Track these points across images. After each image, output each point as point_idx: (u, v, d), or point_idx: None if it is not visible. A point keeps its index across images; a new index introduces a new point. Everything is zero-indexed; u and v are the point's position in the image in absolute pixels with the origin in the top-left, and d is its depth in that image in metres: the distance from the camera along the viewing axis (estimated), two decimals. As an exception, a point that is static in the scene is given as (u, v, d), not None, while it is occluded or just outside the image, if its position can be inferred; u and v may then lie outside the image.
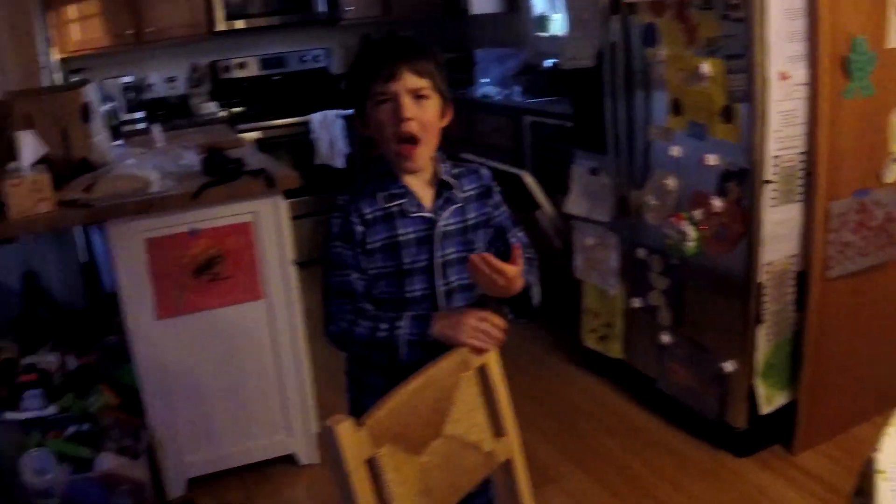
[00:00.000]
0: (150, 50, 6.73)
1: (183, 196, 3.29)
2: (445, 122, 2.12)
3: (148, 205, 3.27)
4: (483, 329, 1.98)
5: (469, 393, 1.98)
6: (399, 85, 1.99)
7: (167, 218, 3.32)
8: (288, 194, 3.51)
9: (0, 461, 3.59)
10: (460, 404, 1.94)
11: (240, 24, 6.62)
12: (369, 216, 2.07)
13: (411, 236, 2.09)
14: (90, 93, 3.73)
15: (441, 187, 2.13)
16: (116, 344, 3.73)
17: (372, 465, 1.72)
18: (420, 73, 2.01)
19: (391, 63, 2.00)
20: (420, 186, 2.12)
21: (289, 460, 3.81)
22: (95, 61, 6.46)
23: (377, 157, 2.13)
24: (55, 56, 5.85)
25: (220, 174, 3.42)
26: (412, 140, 2.02)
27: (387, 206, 2.08)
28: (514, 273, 1.96)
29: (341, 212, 2.09)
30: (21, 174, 3.27)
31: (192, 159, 3.63)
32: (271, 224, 3.44)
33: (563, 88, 4.88)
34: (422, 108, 2.02)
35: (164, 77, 6.84)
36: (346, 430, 1.67)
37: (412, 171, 2.09)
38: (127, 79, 6.55)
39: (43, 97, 3.79)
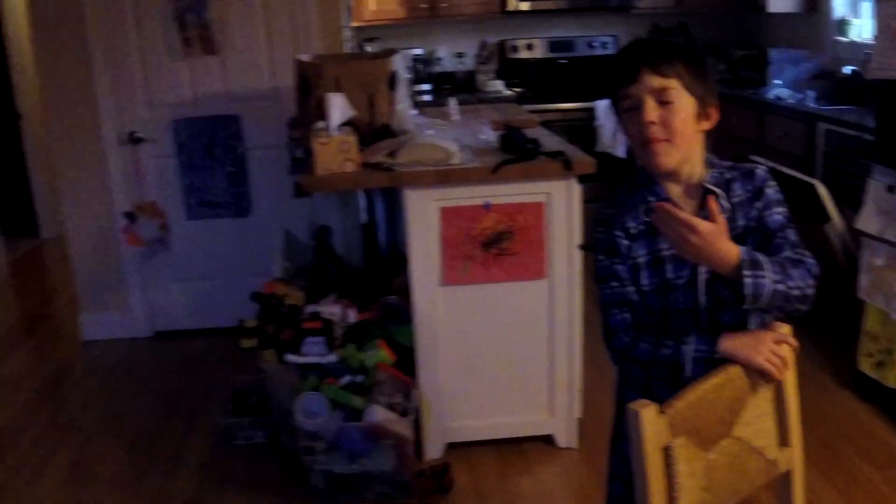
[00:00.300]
0: (441, 24, 7.02)
1: (482, 170, 3.47)
2: (708, 125, 2.04)
3: (448, 175, 3.46)
4: (780, 354, 1.94)
5: (762, 398, 2.00)
6: (639, 87, 1.96)
7: (463, 189, 3.50)
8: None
9: (278, 400, 3.90)
10: (752, 407, 1.97)
11: (531, 5, 6.78)
12: (633, 230, 2.07)
13: (674, 251, 2.01)
14: (398, 62, 3.96)
15: (706, 196, 1.98)
16: (395, 304, 3.95)
17: (665, 454, 1.79)
18: (663, 74, 1.95)
19: (630, 65, 1.98)
20: (682, 196, 2.06)
21: (546, 441, 3.94)
22: (387, 31, 6.81)
23: (640, 168, 2.09)
24: (351, 24, 6.20)
25: (518, 152, 3.56)
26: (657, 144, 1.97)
27: (648, 219, 2.05)
28: (708, 231, 1.82)
29: (605, 226, 2.09)
30: (329, 134, 3.54)
31: (489, 135, 3.80)
32: (563, 206, 3.55)
33: (865, 98, 4.75)
34: (667, 111, 1.96)
35: (453, 52, 7.11)
36: (649, 416, 1.75)
37: (661, 175, 2.04)
38: (417, 51, 6.87)
39: (352, 63, 4.05)
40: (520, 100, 6.52)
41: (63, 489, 3.96)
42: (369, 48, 6.41)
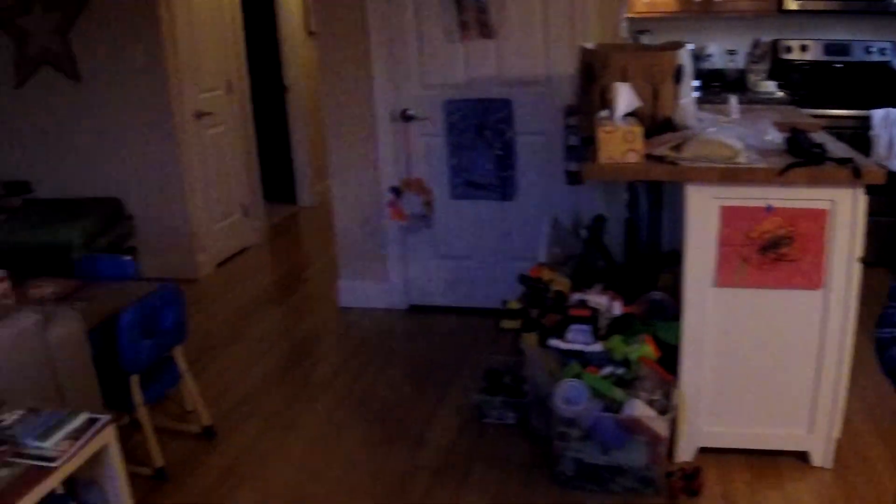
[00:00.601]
0: (713, 20, 6.92)
1: (767, 171, 3.41)
2: None
3: (732, 174, 3.43)
4: None
5: None
6: None
7: (745, 190, 3.46)
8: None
9: (534, 383, 3.98)
10: None
11: (808, 5, 6.60)
12: None
13: None
14: (685, 56, 3.95)
15: None
16: (661, 301, 3.96)
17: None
18: None
19: None
20: None
21: (800, 457, 3.85)
22: (658, 24, 6.78)
23: None
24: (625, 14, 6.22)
25: (805, 156, 3.49)
26: None
27: None
28: None
29: None
30: (614, 123, 3.58)
31: (775, 136, 3.74)
32: (847, 216, 3.45)
33: None
34: None
35: (724, 49, 7.00)
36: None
37: None
38: (687, 46, 6.80)
39: (639, 53, 4.08)
40: (793, 102, 6.36)
41: (311, 449, 4.20)
42: (644, 40, 6.43)
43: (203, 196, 6.91)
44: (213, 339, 5.59)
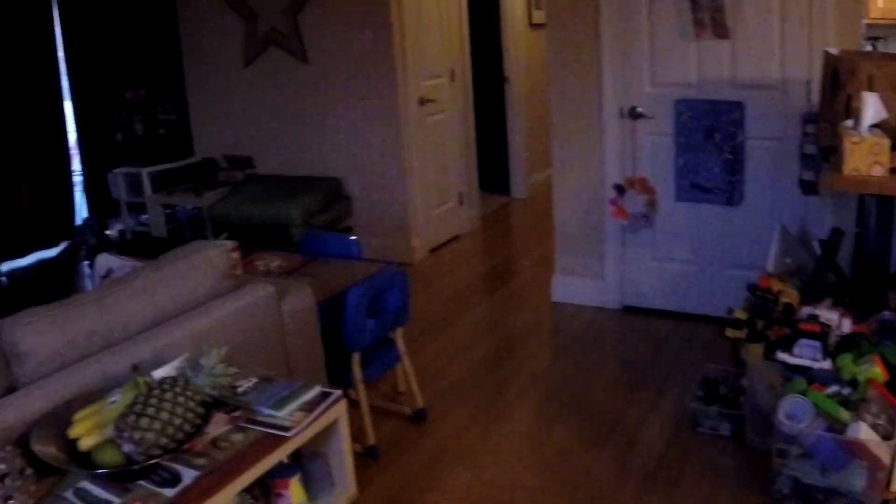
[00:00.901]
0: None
1: None
2: None
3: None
4: None
5: None
6: None
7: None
8: None
9: (753, 396, 3.96)
10: None
11: None
12: None
13: None
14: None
15: None
16: (892, 322, 3.87)
17: None
18: None
19: None
20: None
21: None
22: (892, 31, 6.56)
23: None
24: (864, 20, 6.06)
25: None
26: None
27: None
28: None
29: None
30: (861, 134, 3.52)
31: None
32: None
33: None
34: None
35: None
36: None
37: None
38: (935, 56, 6.58)
39: (886, 62, 3.98)
40: None
41: (520, 441, 4.29)
42: (878, 47, 6.25)
43: (421, 181, 7.11)
44: (426, 323, 5.77)
